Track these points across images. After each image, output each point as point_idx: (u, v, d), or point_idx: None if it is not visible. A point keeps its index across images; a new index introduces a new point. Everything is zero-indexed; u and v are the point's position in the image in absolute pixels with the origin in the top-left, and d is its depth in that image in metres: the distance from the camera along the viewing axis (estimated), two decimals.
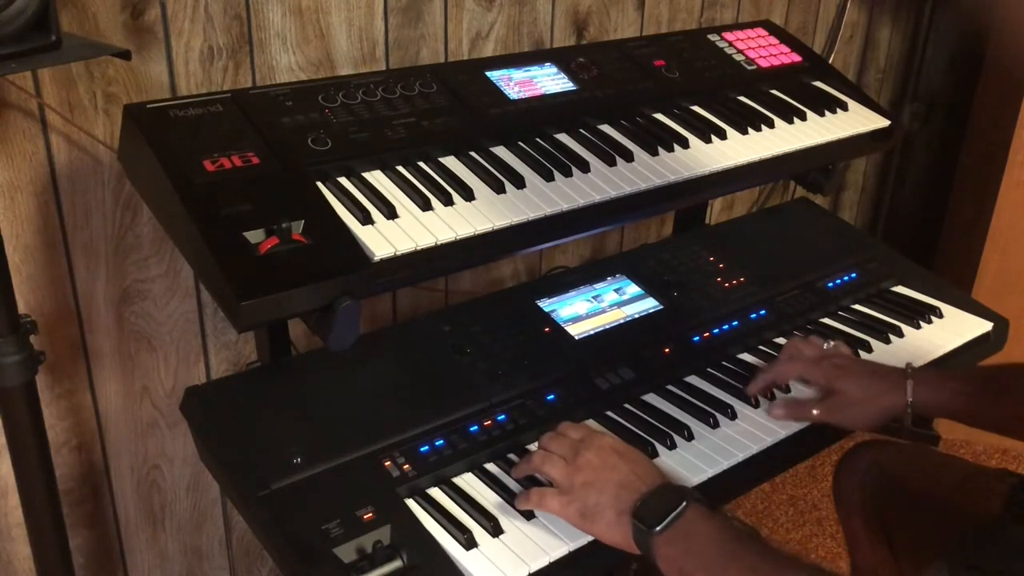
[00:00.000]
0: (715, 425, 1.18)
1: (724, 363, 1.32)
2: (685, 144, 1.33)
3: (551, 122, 1.29)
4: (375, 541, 0.93)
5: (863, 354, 1.35)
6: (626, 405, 1.21)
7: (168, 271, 1.41)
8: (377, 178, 1.13)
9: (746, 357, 1.34)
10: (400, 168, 1.15)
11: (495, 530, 0.99)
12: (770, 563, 0.88)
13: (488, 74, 1.32)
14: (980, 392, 1.16)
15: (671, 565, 0.91)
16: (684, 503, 0.92)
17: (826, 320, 1.45)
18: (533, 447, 1.12)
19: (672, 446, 1.14)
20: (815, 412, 1.18)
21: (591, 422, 1.18)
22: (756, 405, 1.22)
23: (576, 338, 1.28)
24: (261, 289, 0.93)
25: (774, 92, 1.53)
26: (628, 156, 1.27)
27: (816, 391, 1.23)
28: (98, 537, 1.49)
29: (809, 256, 1.57)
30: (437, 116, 1.22)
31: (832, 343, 1.28)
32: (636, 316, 1.35)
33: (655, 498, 0.94)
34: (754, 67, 1.57)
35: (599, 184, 1.20)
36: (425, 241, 1.05)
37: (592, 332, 1.30)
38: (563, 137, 1.28)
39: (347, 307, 0.96)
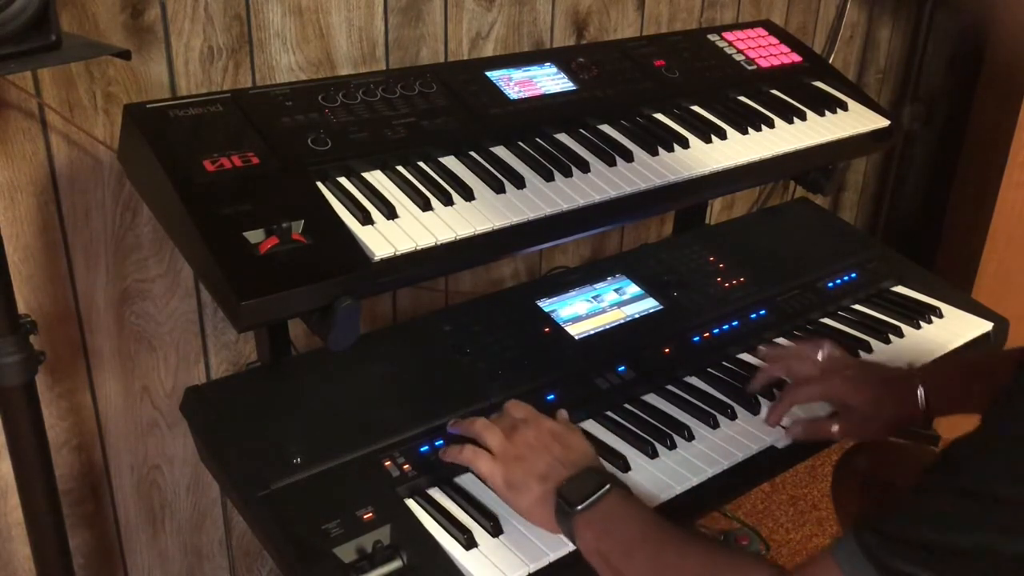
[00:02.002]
0: (715, 425, 1.18)
1: (724, 363, 1.32)
2: (685, 144, 1.33)
3: (551, 122, 1.29)
4: (375, 541, 0.93)
5: (863, 354, 1.35)
6: (626, 405, 1.21)
7: (168, 271, 1.41)
8: (377, 178, 1.13)
9: (746, 357, 1.34)
10: (400, 168, 1.15)
11: (495, 530, 0.99)
12: (676, 542, 0.91)
13: (488, 74, 1.32)
14: (983, 386, 1.15)
15: (588, 545, 0.94)
16: (607, 486, 0.95)
17: (826, 320, 1.45)
18: None
19: (672, 446, 1.14)
20: (835, 429, 1.17)
21: (591, 422, 1.18)
22: (756, 411, 1.22)
23: (576, 338, 1.28)
24: (261, 289, 0.93)
25: (774, 92, 1.53)
26: (628, 156, 1.27)
27: (826, 405, 1.21)
28: (98, 537, 1.49)
29: (809, 256, 1.57)
30: (437, 116, 1.22)
31: (824, 350, 1.23)
32: (636, 316, 1.35)
33: (579, 479, 0.97)
34: (754, 67, 1.57)
35: (599, 184, 1.20)
36: (425, 241, 1.05)
37: (592, 332, 1.30)
38: (563, 137, 1.28)
39: (347, 307, 0.96)
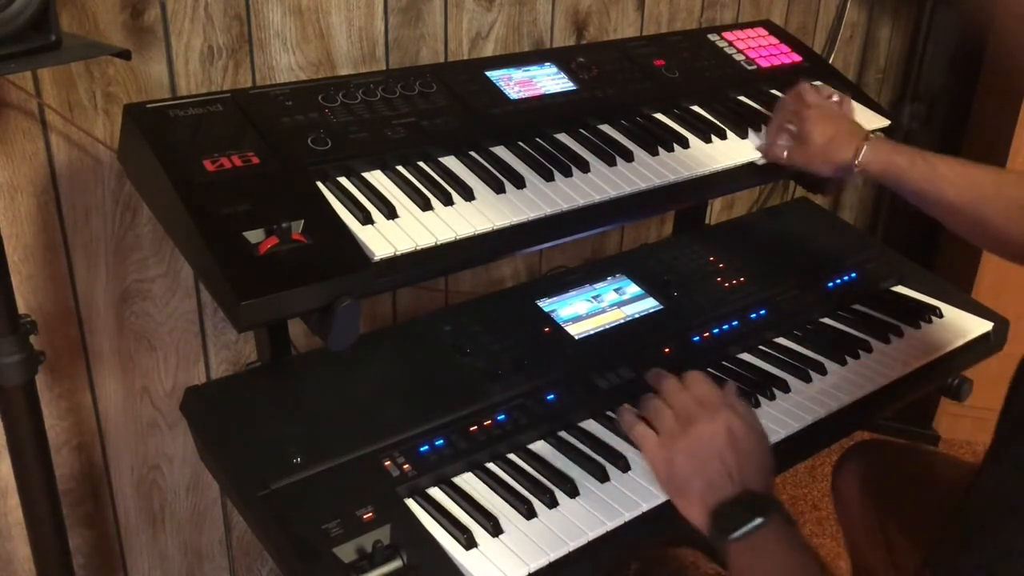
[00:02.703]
0: None
1: (724, 363, 1.32)
2: (685, 144, 1.33)
3: (551, 122, 1.29)
4: (375, 541, 0.93)
5: (863, 354, 1.35)
6: (626, 405, 1.21)
7: (168, 271, 1.40)
8: (377, 178, 1.13)
9: (746, 357, 1.34)
10: (400, 168, 1.15)
11: (495, 530, 0.99)
12: None
13: (488, 74, 1.32)
14: (915, 167, 1.25)
15: (739, 573, 0.89)
16: (763, 519, 0.87)
17: (826, 320, 1.45)
18: (534, 447, 1.12)
19: None
20: (784, 155, 1.34)
21: (591, 422, 1.18)
22: (756, 407, 1.22)
23: (576, 338, 1.28)
24: (261, 289, 0.93)
25: (774, 92, 1.53)
26: (628, 156, 1.27)
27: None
28: (98, 537, 1.49)
29: (809, 256, 1.57)
30: (437, 116, 1.22)
31: (838, 97, 1.41)
32: (636, 316, 1.35)
33: (739, 504, 0.89)
34: (754, 67, 1.57)
35: (599, 184, 1.20)
36: (425, 241, 1.05)
37: (592, 332, 1.30)
38: (563, 137, 1.28)
39: (347, 307, 0.96)
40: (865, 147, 1.27)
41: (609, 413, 1.19)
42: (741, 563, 0.88)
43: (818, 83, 1.51)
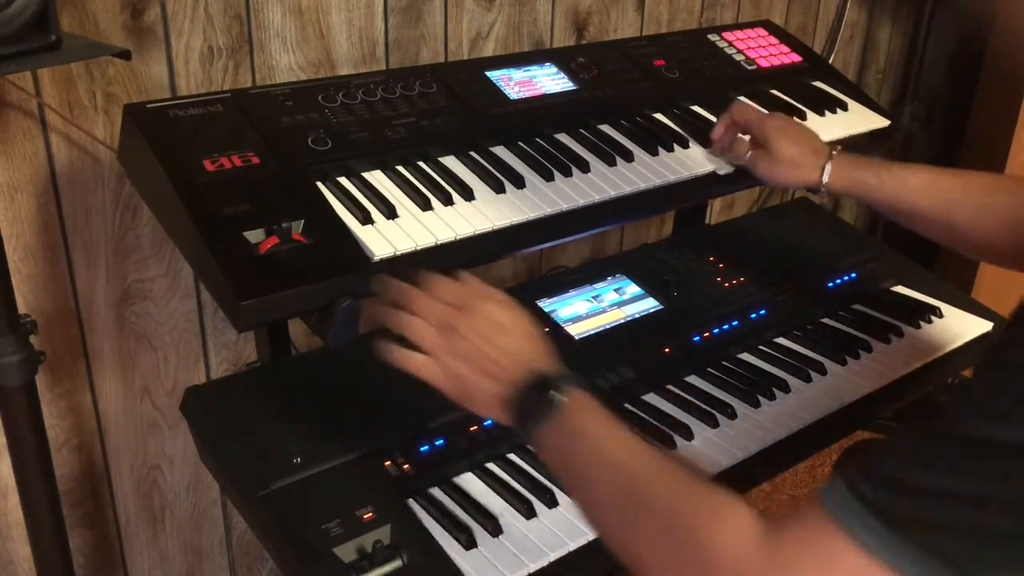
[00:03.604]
0: (715, 425, 1.18)
1: (724, 363, 1.32)
2: (685, 144, 1.33)
3: (551, 122, 1.29)
4: (375, 541, 0.93)
5: (862, 353, 1.35)
6: (626, 405, 1.21)
7: (168, 271, 1.40)
8: (377, 178, 1.13)
9: (746, 357, 1.34)
10: (400, 168, 1.15)
11: (495, 530, 0.99)
12: (645, 470, 0.79)
13: (488, 74, 1.32)
14: (884, 184, 1.24)
15: (551, 454, 0.85)
16: (562, 395, 0.84)
17: (826, 320, 1.45)
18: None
19: (672, 446, 1.14)
20: (748, 155, 1.30)
21: None
22: (757, 404, 1.22)
23: (576, 338, 1.28)
24: (261, 289, 0.92)
25: (774, 92, 1.53)
26: (628, 156, 1.27)
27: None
28: (98, 537, 1.49)
29: (809, 256, 1.57)
30: (437, 116, 1.22)
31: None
32: (636, 316, 1.35)
33: (533, 389, 0.85)
34: (754, 67, 1.57)
35: (599, 184, 1.20)
36: (425, 241, 1.05)
37: (592, 332, 1.30)
38: (563, 137, 1.28)
39: (347, 307, 0.96)
40: (830, 166, 1.26)
41: None
42: (552, 442, 0.84)
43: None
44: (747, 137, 1.32)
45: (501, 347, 0.88)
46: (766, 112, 1.35)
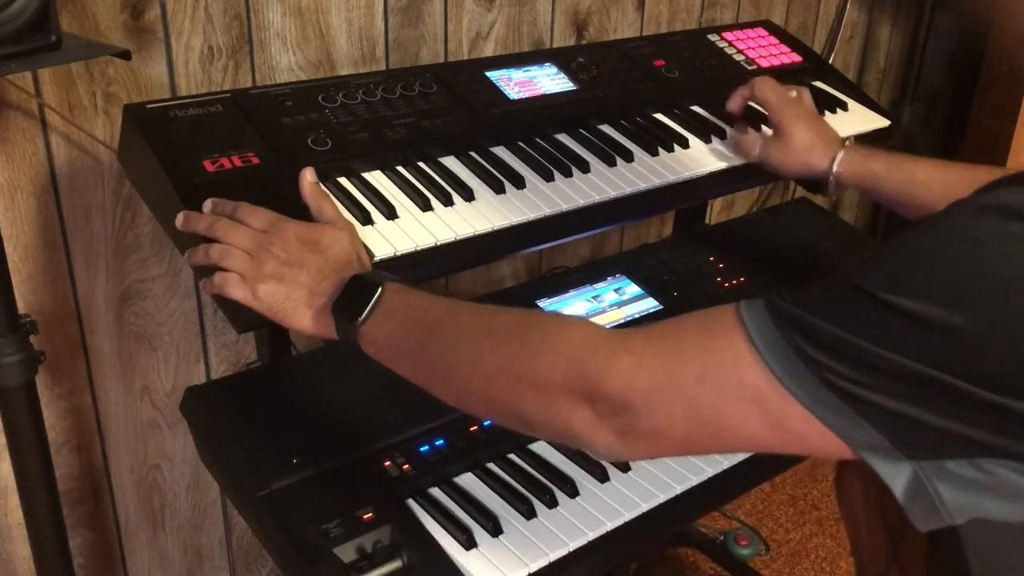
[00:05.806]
0: None
1: None
2: (685, 144, 1.33)
3: (551, 122, 1.29)
4: (375, 541, 0.93)
5: None
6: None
7: (168, 271, 1.40)
8: (377, 178, 1.13)
9: None
10: (400, 168, 1.15)
11: (495, 530, 0.99)
12: (474, 314, 0.86)
13: (488, 74, 1.32)
14: (892, 175, 1.26)
15: (381, 348, 0.88)
16: (380, 288, 0.88)
17: None
18: (534, 447, 1.12)
19: None
20: (756, 151, 1.31)
21: None
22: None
23: None
24: None
25: None
26: (628, 156, 1.27)
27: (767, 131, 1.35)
28: (98, 537, 1.49)
29: (809, 256, 1.57)
30: (437, 116, 1.22)
31: (796, 92, 1.35)
32: (636, 316, 1.35)
33: (348, 292, 0.89)
34: (754, 67, 1.57)
35: (599, 184, 1.20)
36: (425, 241, 1.05)
37: None
38: (563, 137, 1.28)
39: None
40: (841, 154, 1.27)
41: None
42: (381, 333, 0.87)
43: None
44: (755, 133, 1.33)
45: (309, 262, 0.91)
46: (785, 95, 1.33)
